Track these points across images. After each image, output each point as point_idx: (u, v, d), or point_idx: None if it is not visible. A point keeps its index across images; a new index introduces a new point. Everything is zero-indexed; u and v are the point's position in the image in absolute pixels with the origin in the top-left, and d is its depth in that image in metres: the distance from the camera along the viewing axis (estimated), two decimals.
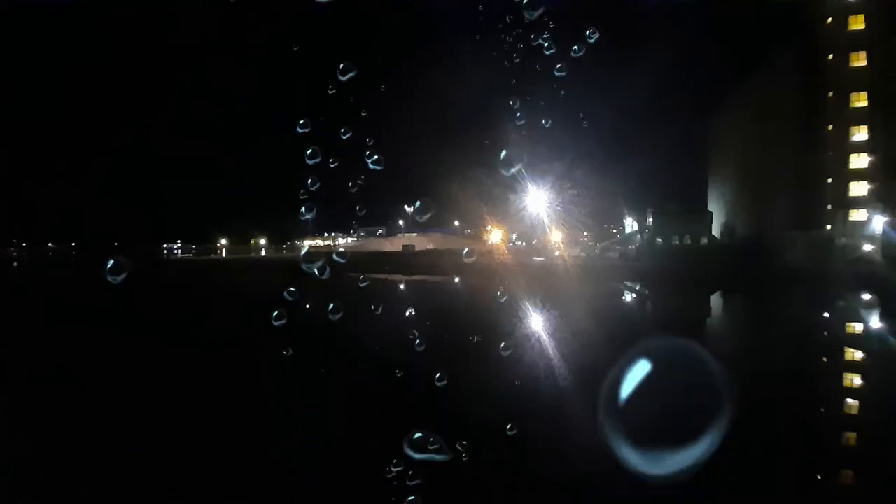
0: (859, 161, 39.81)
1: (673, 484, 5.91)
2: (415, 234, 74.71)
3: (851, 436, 7.74)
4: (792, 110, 42.02)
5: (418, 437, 3.70)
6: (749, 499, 5.86)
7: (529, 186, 41.59)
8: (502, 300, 19.17)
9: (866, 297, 23.46)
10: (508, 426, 6.57)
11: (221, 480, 6.16)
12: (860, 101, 39.66)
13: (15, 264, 70.05)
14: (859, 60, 39.52)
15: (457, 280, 34.54)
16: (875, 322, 17.81)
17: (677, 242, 50.87)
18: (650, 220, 54.81)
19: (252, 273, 51.22)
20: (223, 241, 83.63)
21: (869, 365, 12.10)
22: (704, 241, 50.84)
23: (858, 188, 39.58)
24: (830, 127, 40.66)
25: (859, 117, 39.61)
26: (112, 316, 21.12)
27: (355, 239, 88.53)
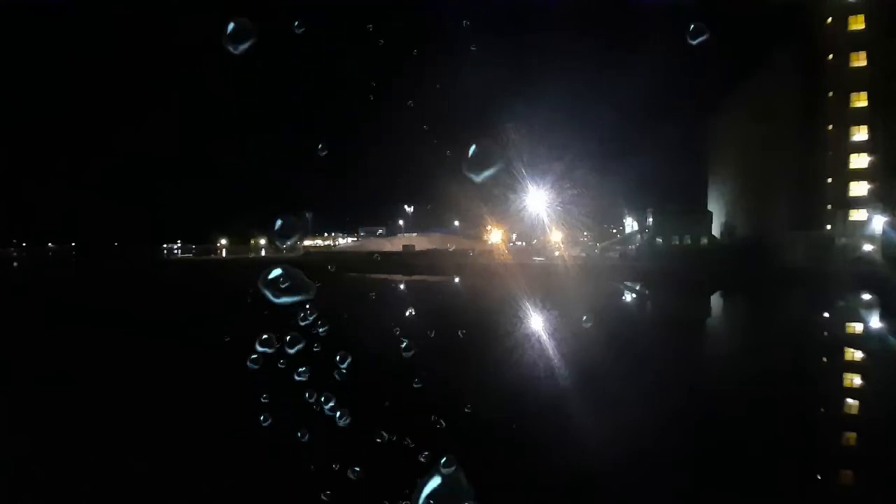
0: (859, 161, 39.80)
1: (673, 483, 5.92)
2: (415, 235, 74.69)
3: (851, 436, 7.74)
4: (792, 110, 42.01)
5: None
6: (749, 499, 5.86)
7: (529, 186, 41.61)
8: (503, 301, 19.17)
9: (866, 297, 23.46)
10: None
11: (221, 480, 6.16)
12: (860, 101, 39.65)
13: (15, 264, 70.04)
14: (859, 60, 39.51)
15: (457, 280, 34.53)
16: (875, 322, 17.81)
17: (677, 242, 50.87)
18: (650, 220, 54.80)
19: (252, 273, 51.12)
20: (223, 241, 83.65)
21: (869, 365, 12.10)
22: (704, 241, 50.85)
23: (858, 188, 39.57)
24: (830, 127, 40.66)
25: (859, 117, 39.60)
26: (112, 316, 21.13)
27: (355, 239, 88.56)
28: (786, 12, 41.36)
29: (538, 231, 52.96)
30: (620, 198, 59.93)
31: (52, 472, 6.39)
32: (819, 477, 6.46)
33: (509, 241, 64.46)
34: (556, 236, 52.79)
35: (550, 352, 12.14)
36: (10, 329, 17.49)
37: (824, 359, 12.77)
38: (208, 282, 44.37)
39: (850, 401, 9.37)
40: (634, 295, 29.99)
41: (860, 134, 39.75)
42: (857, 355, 13.10)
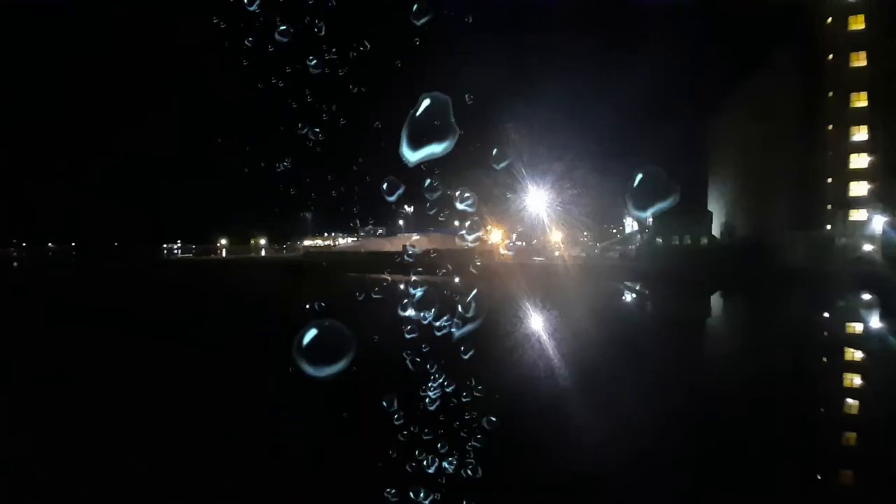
0: (859, 161, 39.79)
1: (674, 483, 5.91)
2: (415, 235, 74.69)
3: (851, 436, 7.74)
4: (792, 110, 41.98)
5: None
6: (749, 499, 5.86)
7: (529, 186, 41.56)
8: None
9: (866, 297, 23.45)
10: None
11: (221, 480, 6.16)
12: (860, 101, 39.63)
13: (15, 264, 70.03)
14: (859, 60, 39.49)
15: (456, 280, 34.49)
16: (875, 322, 17.81)
17: (677, 242, 50.85)
18: (650, 220, 54.81)
19: (251, 273, 51.20)
20: (223, 241, 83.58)
21: (869, 365, 12.10)
22: (704, 241, 50.80)
23: (858, 188, 39.55)
24: (830, 127, 40.65)
25: (859, 117, 39.59)
26: (112, 316, 21.12)
27: (355, 239, 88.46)
28: (786, 12, 41.35)
29: (538, 231, 52.91)
30: (620, 198, 59.70)
31: (52, 472, 6.39)
32: (819, 477, 6.46)
33: (509, 240, 64.38)
34: (556, 236, 52.74)
35: (550, 351, 12.14)
36: (10, 329, 17.49)
37: (824, 359, 12.77)
38: (208, 282, 44.35)
39: (850, 401, 9.37)
40: (634, 295, 29.98)
41: (860, 134, 39.73)
42: (857, 355, 13.10)
